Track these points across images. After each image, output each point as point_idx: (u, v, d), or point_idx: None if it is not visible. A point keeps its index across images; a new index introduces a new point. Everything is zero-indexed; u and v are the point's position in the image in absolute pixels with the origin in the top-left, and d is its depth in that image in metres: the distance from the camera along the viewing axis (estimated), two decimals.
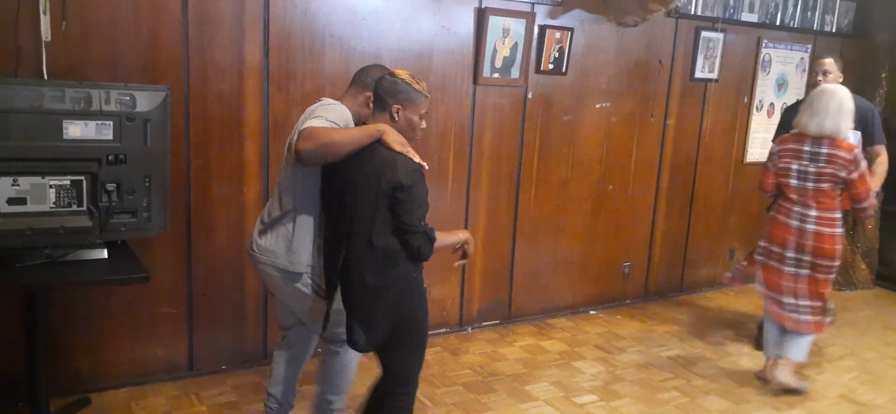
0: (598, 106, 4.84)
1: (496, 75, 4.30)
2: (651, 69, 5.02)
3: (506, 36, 4.27)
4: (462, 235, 2.76)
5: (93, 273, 2.84)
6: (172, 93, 3.03)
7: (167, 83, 3.05)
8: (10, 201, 2.73)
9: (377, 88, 2.57)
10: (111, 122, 2.82)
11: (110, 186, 2.84)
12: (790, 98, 5.94)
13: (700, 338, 4.81)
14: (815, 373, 4.36)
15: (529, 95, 4.50)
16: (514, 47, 4.32)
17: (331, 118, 2.60)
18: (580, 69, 4.67)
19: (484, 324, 4.67)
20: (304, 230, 2.72)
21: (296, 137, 2.52)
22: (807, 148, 3.81)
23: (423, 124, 2.63)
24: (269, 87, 3.59)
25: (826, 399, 4.02)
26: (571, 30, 4.52)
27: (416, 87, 2.56)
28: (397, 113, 2.53)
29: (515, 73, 4.38)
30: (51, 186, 2.80)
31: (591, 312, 5.12)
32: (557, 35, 4.48)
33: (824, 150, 3.76)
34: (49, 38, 2.99)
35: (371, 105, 2.68)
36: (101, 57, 3.16)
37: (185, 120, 3.41)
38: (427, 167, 2.54)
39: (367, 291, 2.53)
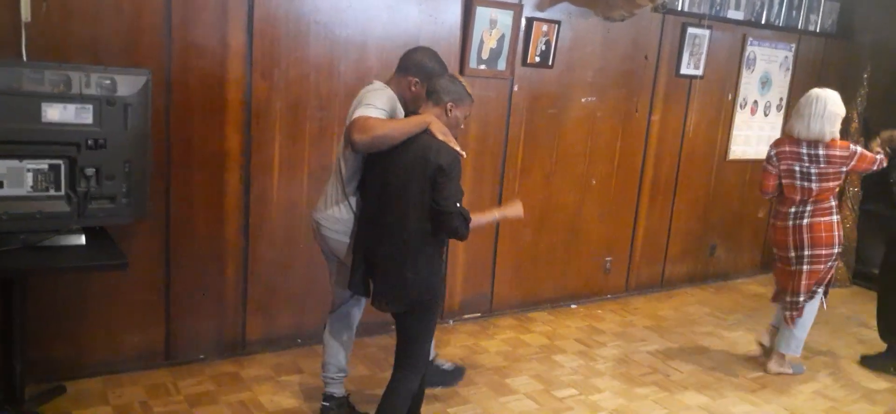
0: (583, 100, 4.84)
1: (483, 67, 4.28)
2: (637, 64, 5.03)
3: (493, 27, 4.25)
4: (497, 214, 3.03)
5: (70, 259, 2.79)
6: (154, 77, 2.99)
7: (149, 67, 3.00)
8: None
9: (436, 85, 2.82)
10: (91, 106, 2.77)
11: (89, 171, 2.80)
12: (774, 96, 5.99)
13: (679, 333, 4.84)
14: (788, 368, 4.41)
15: (515, 88, 4.48)
16: (501, 39, 4.30)
17: (380, 105, 2.83)
18: (566, 63, 4.66)
19: (465, 317, 4.67)
20: None
21: (349, 126, 2.75)
22: (805, 150, 3.92)
23: (463, 124, 2.91)
24: (253, 73, 3.54)
25: (801, 395, 4.07)
26: (559, 23, 4.51)
27: (469, 91, 2.88)
28: (451, 110, 2.80)
29: (502, 64, 4.36)
30: (28, 170, 2.75)
31: (572, 306, 5.13)
32: (544, 28, 4.46)
33: (821, 152, 3.88)
34: (29, 19, 2.92)
35: (414, 88, 2.98)
36: (83, 39, 3.10)
37: (166, 105, 3.35)
38: (465, 155, 2.78)
39: (399, 265, 2.75)
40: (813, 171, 3.92)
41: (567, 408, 3.66)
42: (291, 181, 3.78)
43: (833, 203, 4.02)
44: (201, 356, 3.72)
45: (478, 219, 2.84)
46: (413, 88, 2.98)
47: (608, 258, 5.31)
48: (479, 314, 4.71)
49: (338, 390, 3.28)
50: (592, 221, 5.13)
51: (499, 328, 4.60)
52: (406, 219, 2.73)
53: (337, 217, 3.02)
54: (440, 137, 2.71)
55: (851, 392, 4.17)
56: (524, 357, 4.20)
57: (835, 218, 4.02)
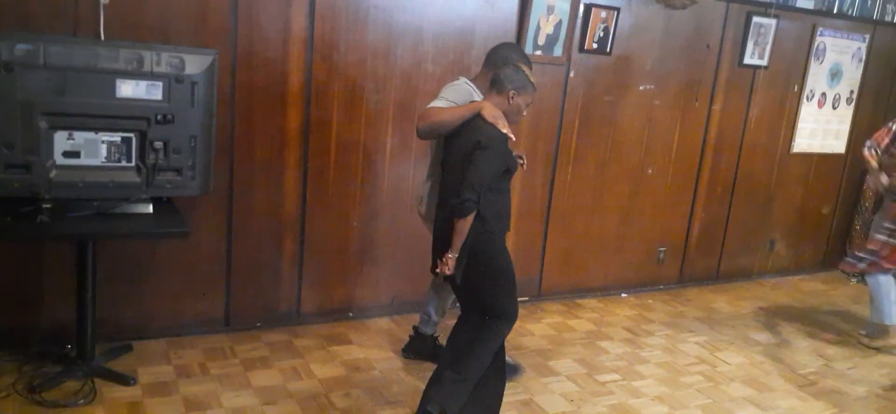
0: (641, 88, 4.81)
1: (538, 52, 4.31)
2: (698, 53, 4.96)
3: (550, 13, 4.27)
4: (455, 254, 2.89)
5: (138, 225, 3.00)
6: (220, 57, 3.16)
7: (215, 48, 3.17)
8: (66, 154, 2.90)
9: (500, 74, 3.01)
10: (161, 83, 2.96)
11: (158, 145, 2.99)
12: (844, 89, 5.81)
13: (732, 326, 4.79)
14: (845, 366, 4.33)
15: (571, 74, 4.50)
16: (558, 25, 4.32)
17: (450, 98, 3.09)
18: (625, 50, 4.64)
19: None
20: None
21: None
22: None
23: (525, 112, 3.07)
24: (313, 56, 3.68)
25: (853, 393, 3.99)
26: (618, 9, 4.50)
27: (532, 79, 3.04)
28: (512, 97, 2.98)
29: (558, 51, 4.38)
30: (103, 142, 2.96)
31: (623, 295, 5.14)
32: (603, 14, 4.46)
33: None
34: (107, 1, 3.11)
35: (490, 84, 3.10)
36: (155, 20, 3.28)
37: (231, 84, 3.52)
38: (514, 139, 2.91)
39: (449, 235, 2.89)
40: None
41: (608, 392, 3.70)
42: (347, 161, 3.92)
43: None
44: (258, 324, 3.91)
45: (462, 232, 2.85)
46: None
47: (662, 248, 5.28)
48: (527, 298, 4.75)
49: (424, 329, 3.75)
50: (646, 211, 5.11)
51: (546, 313, 4.66)
52: (450, 193, 2.92)
53: (419, 195, 3.46)
54: (490, 120, 2.88)
55: None
56: (569, 341, 4.24)
57: None
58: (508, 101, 2.98)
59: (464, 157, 2.87)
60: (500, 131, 2.87)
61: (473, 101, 3.06)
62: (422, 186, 3.47)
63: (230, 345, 3.71)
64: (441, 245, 3.01)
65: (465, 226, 2.83)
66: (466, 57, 4.10)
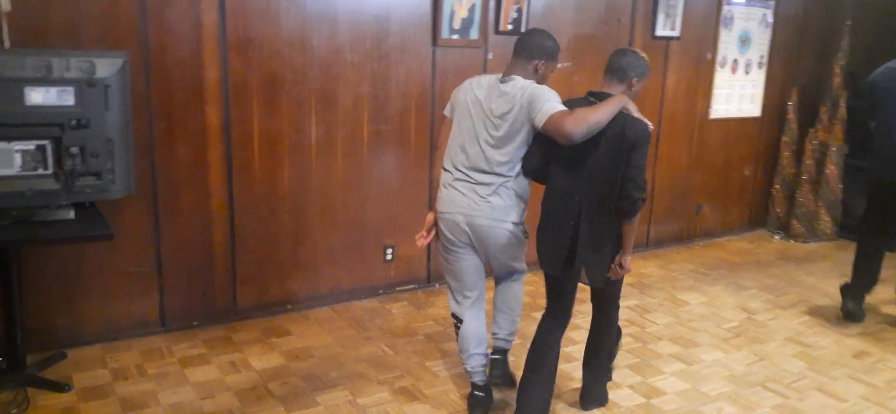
0: (559, 66, 4.93)
1: (455, 36, 4.42)
2: (611, 28, 5.14)
3: None
4: (628, 255, 3.03)
5: (58, 232, 2.99)
6: (133, 59, 3.18)
7: (127, 49, 3.19)
8: None
9: (621, 62, 2.97)
10: (72, 88, 2.95)
11: (74, 150, 2.98)
12: (754, 54, 6.07)
13: (660, 289, 4.98)
14: (767, 318, 4.55)
15: (490, 56, 4.62)
16: (472, 8, 4.43)
17: (558, 99, 2.94)
18: None
19: (438, 285, 4.81)
20: (523, 190, 3.19)
21: (544, 122, 2.86)
22: None
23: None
24: (227, 51, 3.71)
25: (773, 342, 4.21)
26: None
27: (649, 65, 3.03)
28: (634, 84, 2.96)
29: (474, 33, 4.49)
30: (16, 151, 2.94)
31: None
32: None
33: None
34: (9, 8, 3.09)
35: (540, 70, 3.11)
36: (62, 24, 3.28)
37: (146, 85, 3.53)
38: (653, 127, 2.88)
39: (600, 242, 2.92)
40: None
41: None
42: (272, 153, 3.96)
43: None
44: (195, 323, 3.93)
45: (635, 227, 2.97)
46: (539, 71, 3.13)
47: None
48: None
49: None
50: None
51: None
52: (606, 196, 2.84)
53: (498, 205, 3.12)
54: (635, 115, 2.84)
55: (823, 337, 4.30)
56: None
57: None
58: (632, 87, 2.96)
59: (611, 156, 2.80)
60: (645, 125, 2.82)
61: (613, 97, 2.88)
62: (492, 198, 3.12)
63: (167, 345, 3.72)
64: (576, 252, 2.94)
65: (636, 224, 2.93)
66: (384, 44, 4.18)
